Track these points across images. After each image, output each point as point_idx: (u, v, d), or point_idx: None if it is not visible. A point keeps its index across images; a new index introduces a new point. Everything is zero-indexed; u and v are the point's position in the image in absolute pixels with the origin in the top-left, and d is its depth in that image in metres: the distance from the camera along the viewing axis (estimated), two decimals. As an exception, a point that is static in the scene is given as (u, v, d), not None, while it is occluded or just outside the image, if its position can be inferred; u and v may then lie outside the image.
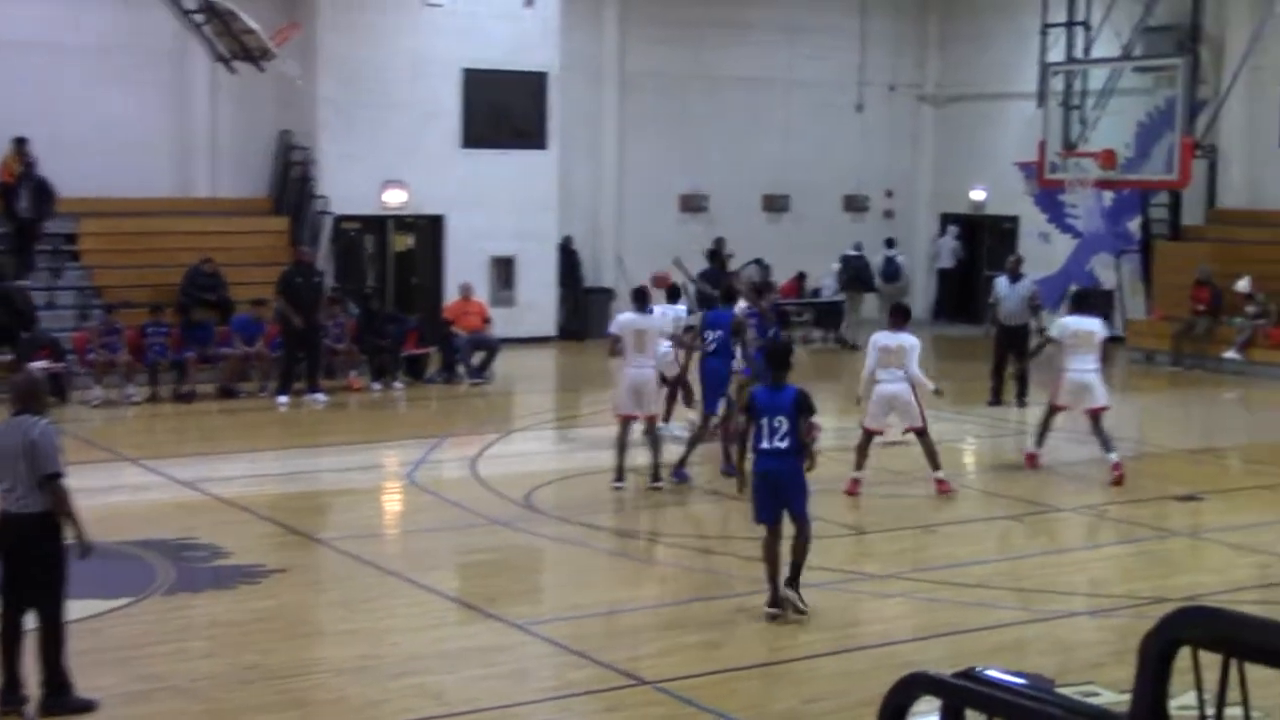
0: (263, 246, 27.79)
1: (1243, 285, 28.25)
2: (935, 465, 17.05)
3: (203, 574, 13.39)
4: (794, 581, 12.18)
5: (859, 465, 17.01)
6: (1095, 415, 17.90)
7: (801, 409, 12.06)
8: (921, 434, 17.05)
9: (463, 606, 12.70)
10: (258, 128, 28.66)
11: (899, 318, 17.22)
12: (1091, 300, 19.93)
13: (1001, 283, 23.87)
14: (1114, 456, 17.69)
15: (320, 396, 23.50)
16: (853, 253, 33.71)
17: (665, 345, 18.33)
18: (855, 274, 33.22)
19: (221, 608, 12.43)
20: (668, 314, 18.81)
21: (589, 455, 19.06)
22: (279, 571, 13.52)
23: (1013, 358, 23.71)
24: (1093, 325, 18.04)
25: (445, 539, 15.28)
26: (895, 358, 16.71)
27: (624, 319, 17.29)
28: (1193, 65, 27.57)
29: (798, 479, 12.08)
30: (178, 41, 26.69)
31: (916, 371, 16.79)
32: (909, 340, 16.77)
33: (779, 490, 12.07)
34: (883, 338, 16.96)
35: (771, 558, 12.18)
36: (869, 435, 17.12)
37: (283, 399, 23.30)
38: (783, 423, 11.95)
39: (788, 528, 12.23)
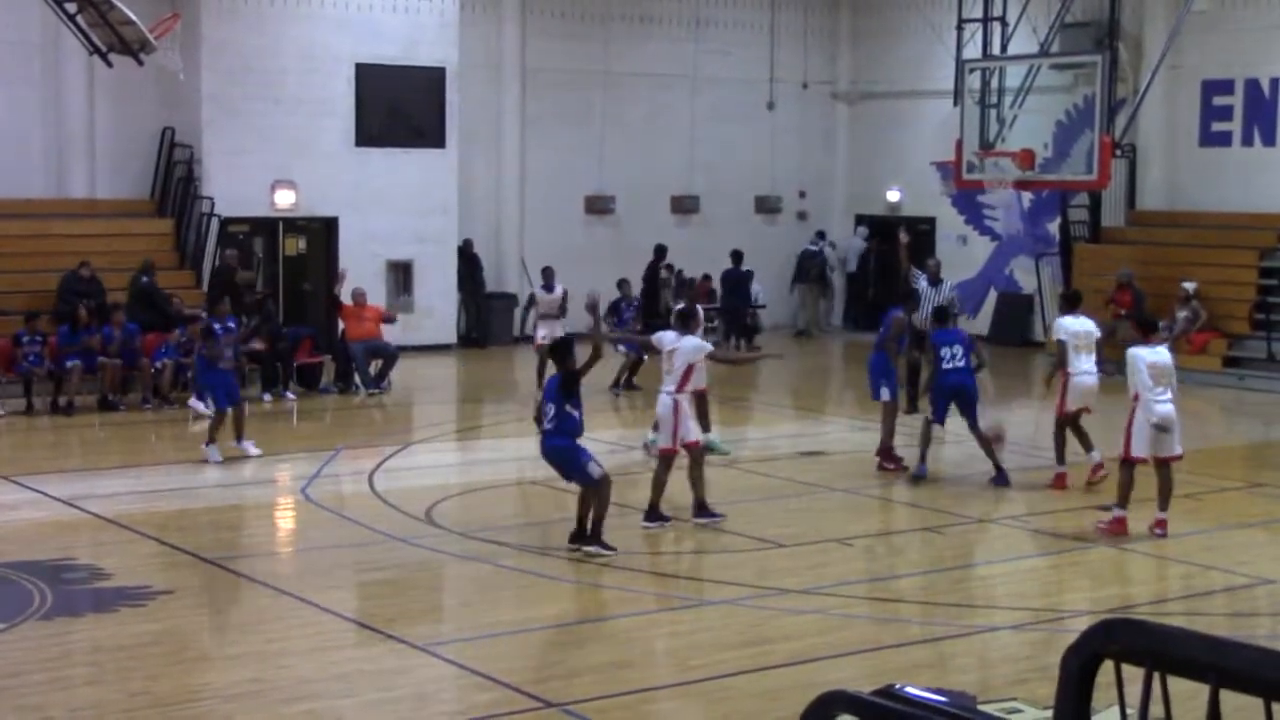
0: (145, 250, 26.95)
1: (1188, 285, 27.96)
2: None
3: (82, 597, 13.03)
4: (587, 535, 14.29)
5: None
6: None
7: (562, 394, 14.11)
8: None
9: (360, 627, 12.43)
10: (138, 125, 27.83)
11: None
12: (1081, 298, 19.47)
13: (922, 285, 23.20)
14: (1096, 455, 17.76)
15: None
16: (813, 247, 34.34)
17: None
18: (821, 268, 34.29)
19: (103, 632, 12.04)
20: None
21: (492, 468, 18.93)
22: (165, 593, 13.06)
23: (927, 364, 23.07)
24: (1089, 324, 18.12)
25: (341, 556, 14.89)
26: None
27: (668, 337, 16.49)
28: (1111, 63, 27.09)
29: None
30: (49, 33, 26.12)
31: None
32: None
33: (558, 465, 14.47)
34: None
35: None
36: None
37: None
38: (551, 407, 14.11)
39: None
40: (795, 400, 26.63)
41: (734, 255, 31.85)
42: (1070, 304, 18.52)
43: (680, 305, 18.16)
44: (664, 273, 31.75)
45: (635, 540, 15.25)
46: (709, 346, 16.50)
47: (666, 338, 16.26)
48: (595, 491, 14.18)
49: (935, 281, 23.30)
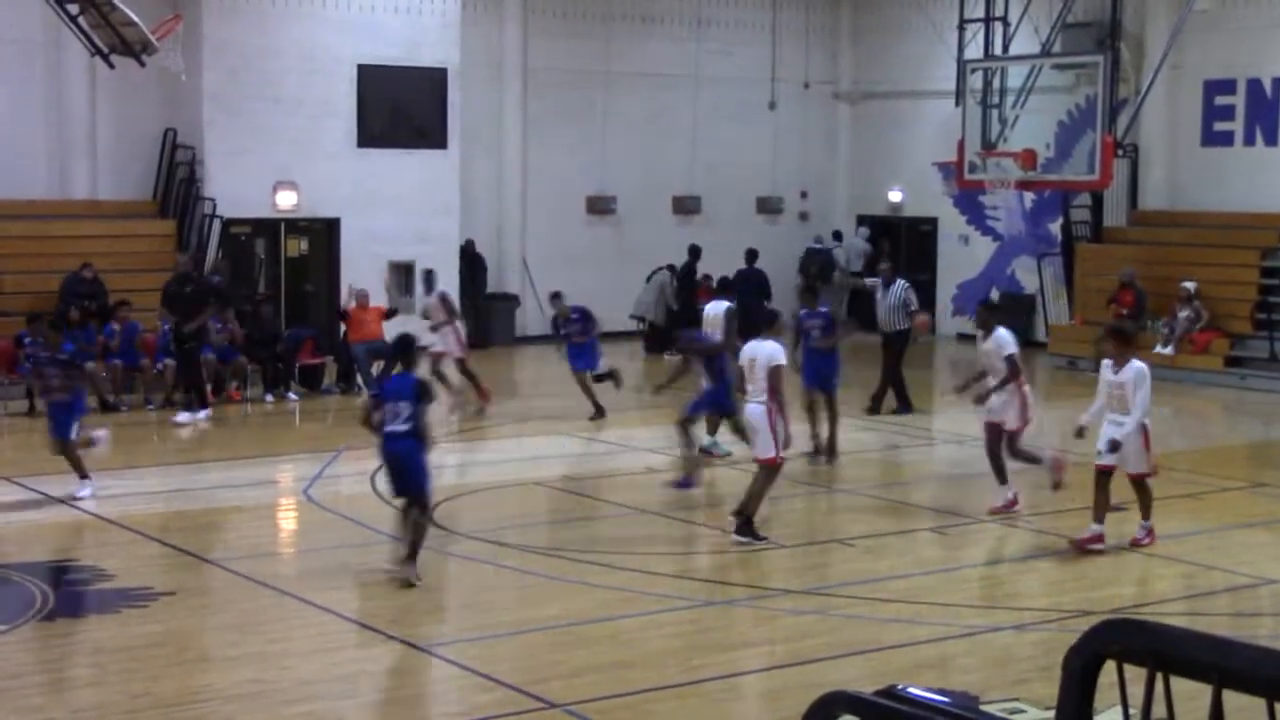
0: (147, 251, 27.04)
1: (1189, 285, 27.91)
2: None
3: (84, 598, 13.03)
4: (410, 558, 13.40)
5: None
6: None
7: (420, 396, 13.36)
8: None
9: (362, 628, 12.36)
10: (140, 126, 27.75)
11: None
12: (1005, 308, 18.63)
13: (876, 288, 23.49)
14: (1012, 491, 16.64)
15: (187, 415, 22.68)
16: (815, 245, 34.63)
17: None
18: (821, 267, 34.25)
19: (105, 634, 12.02)
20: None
21: (494, 469, 18.97)
22: (167, 594, 13.05)
23: (889, 364, 23.36)
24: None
25: (343, 557, 14.81)
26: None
27: (747, 346, 15.48)
28: (1113, 63, 27.10)
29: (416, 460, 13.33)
30: (51, 34, 26.05)
31: None
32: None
33: (400, 471, 13.40)
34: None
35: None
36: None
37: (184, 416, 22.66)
38: (405, 407, 13.22)
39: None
40: (797, 400, 26.61)
41: (748, 254, 31.85)
42: (998, 315, 17.45)
43: (768, 309, 18.06)
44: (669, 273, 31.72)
45: (637, 541, 15.24)
46: (784, 360, 15.12)
47: (743, 349, 15.41)
48: (425, 510, 13.53)
49: (889, 283, 23.49)
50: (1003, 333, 16.39)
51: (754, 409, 14.98)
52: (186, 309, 22.98)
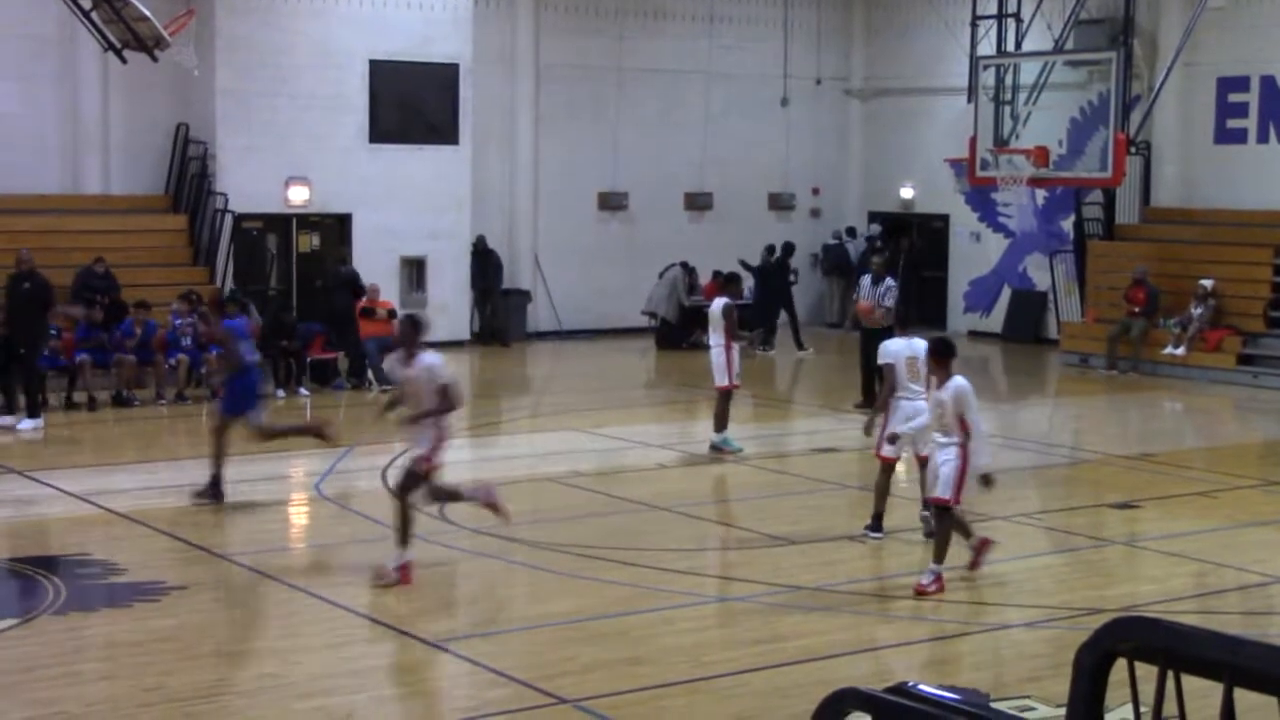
0: (160, 246, 27.17)
1: (1206, 283, 27.91)
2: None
3: (97, 592, 13.01)
4: None
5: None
6: None
7: None
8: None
9: (373, 623, 12.33)
10: (153, 121, 27.87)
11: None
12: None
13: (864, 283, 23.48)
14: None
15: (28, 424, 21.18)
16: (833, 241, 35.19)
17: None
18: (835, 262, 35.06)
19: (118, 628, 12.03)
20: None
21: (505, 464, 18.91)
22: (179, 588, 13.06)
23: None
24: None
25: (354, 552, 14.80)
26: None
27: (894, 346, 14.93)
28: (1126, 59, 27.11)
29: None
30: (65, 30, 26.19)
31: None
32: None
33: None
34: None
35: None
36: None
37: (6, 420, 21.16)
38: None
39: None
40: (808, 396, 26.63)
41: (770, 249, 31.92)
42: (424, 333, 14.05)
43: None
44: (681, 270, 31.68)
45: (648, 537, 15.24)
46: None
47: (895, 347, 14.85)
48: None
49: (877, 280, 23.46)
50: (432, 358, 13.63)
51: (920, 405, 14.22)
52: (23, 308, 21.55)
